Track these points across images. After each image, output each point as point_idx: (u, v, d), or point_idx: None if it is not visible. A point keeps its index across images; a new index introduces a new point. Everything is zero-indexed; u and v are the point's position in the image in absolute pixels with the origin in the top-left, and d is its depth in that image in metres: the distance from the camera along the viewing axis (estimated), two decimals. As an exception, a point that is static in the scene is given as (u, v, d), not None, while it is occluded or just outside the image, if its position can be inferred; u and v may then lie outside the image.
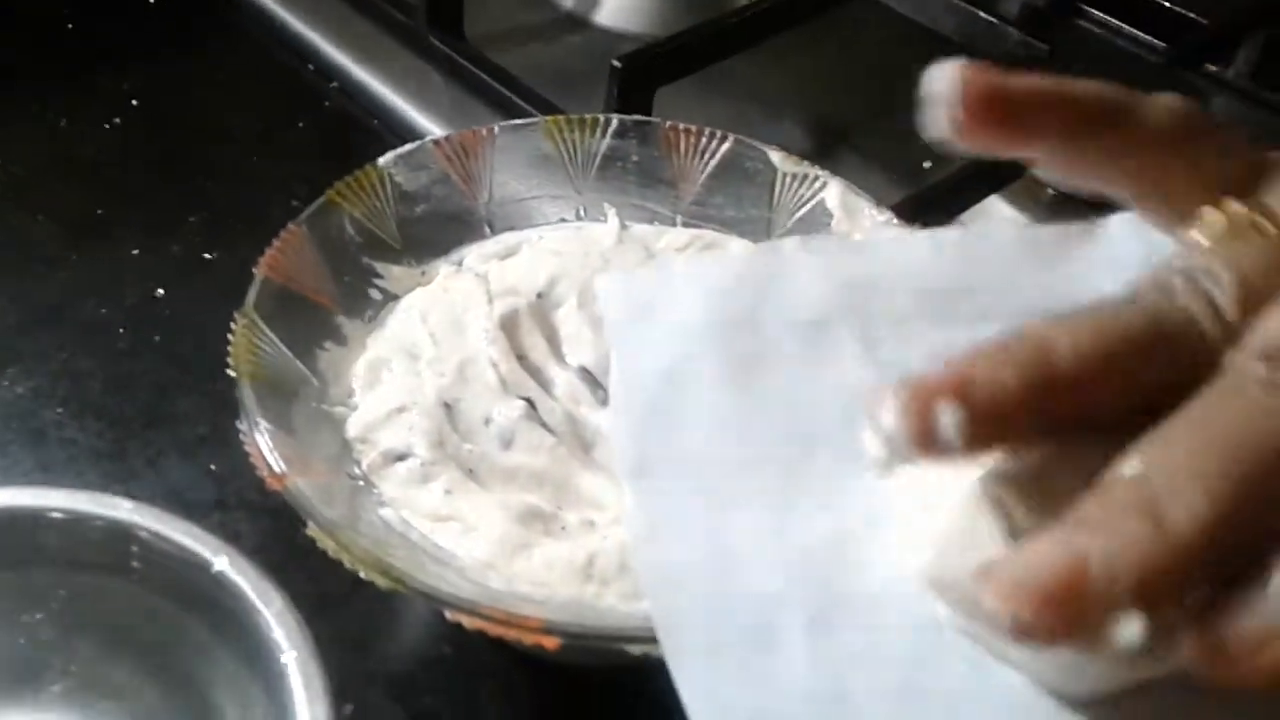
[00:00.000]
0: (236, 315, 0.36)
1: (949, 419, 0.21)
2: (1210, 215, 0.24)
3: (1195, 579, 0.19)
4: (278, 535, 0.42)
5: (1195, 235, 0.24)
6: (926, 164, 0.59)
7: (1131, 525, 0.19)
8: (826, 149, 0.62)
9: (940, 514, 0.24)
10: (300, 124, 0.60)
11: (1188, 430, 0.20)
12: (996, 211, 0.55)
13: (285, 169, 0.57)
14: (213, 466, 0.45)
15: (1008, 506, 0.22)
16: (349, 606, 0.41)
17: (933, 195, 0.51)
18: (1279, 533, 0.19)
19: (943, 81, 0.24)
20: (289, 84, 0.63)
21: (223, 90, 0.62)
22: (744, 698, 0.23)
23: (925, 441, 0.21)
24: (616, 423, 0.27)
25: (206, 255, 0.53)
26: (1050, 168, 0.26)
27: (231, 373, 0.35)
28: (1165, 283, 0.22)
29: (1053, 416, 0.21)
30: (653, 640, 0.29)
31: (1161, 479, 0.19)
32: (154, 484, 0.45)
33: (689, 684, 0.23)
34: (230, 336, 0.36)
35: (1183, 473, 0.19)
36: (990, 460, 0.23)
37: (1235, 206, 0.24)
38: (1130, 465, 0.20)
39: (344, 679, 0.39)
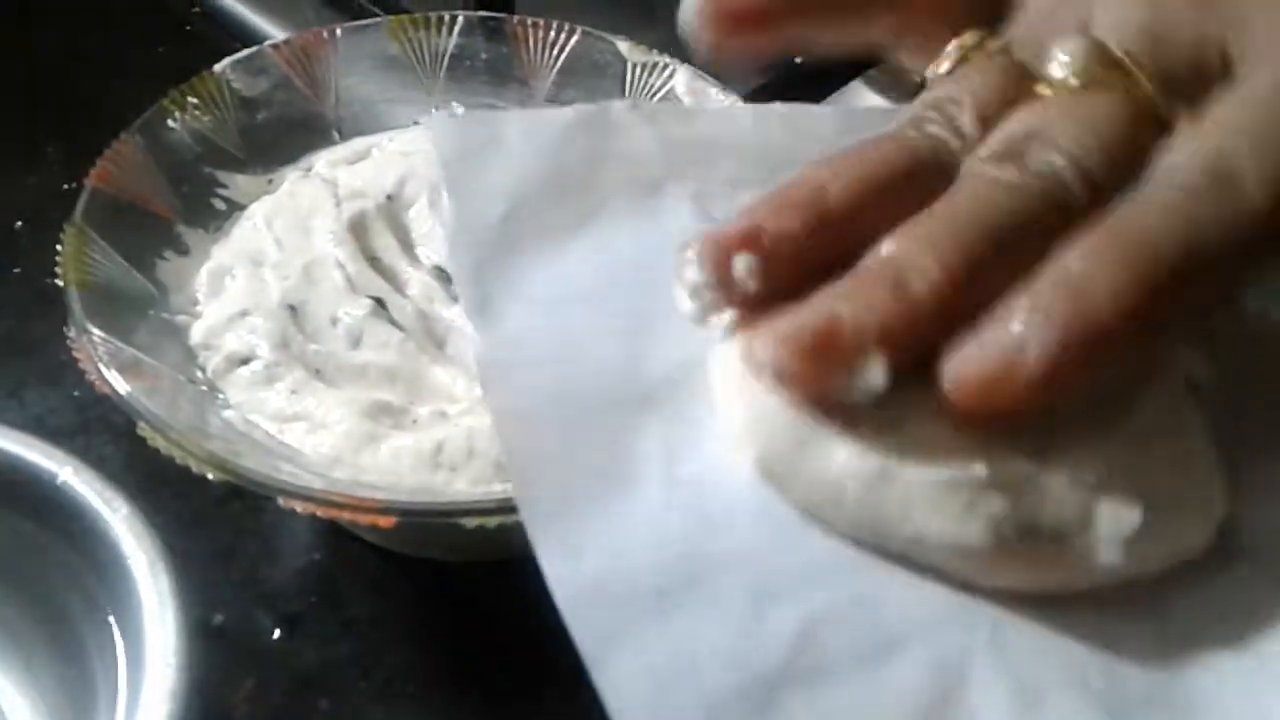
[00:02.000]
0: (65, 226, 0.36)
1: (743, 265, 0.23)
2: (949, 48, 0.26)
3: (934, 331, 0.22)
4: (143, 458, 0.42)
5: (939, 68, 0.26)
6: (797, 60, 0.58)
7: (878, 292, 0.22)
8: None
9: None
10: (160, 48, 0.59)
11: (929, 218, 0.23)
12: (862, 99, 0.55)
13: (147, 95, 0.55)
14: (75, 393, 0.45)
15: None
16: (216, 523, 0.41)
17: (788, 82, 0.50)
18: (1002, 290, 0.22)
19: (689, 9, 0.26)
20: (148, 6, 0.62)
21: (79, 15, 0.61)
22: (597, 537, 0.22)
23: (726, 288, 0.23)
24: (456, 263, 0.26)
25: (65, 185, 0.52)
26: (814, 45, 0.28)
27: (59, 282, 0.34)
28: (918, 116, 0.25)
29: (834, 248, 0.23)
30: (486, 513, 0.30)
31: (904, 256, 0.22)
32: (16, 411, 0.44)
33: (540, 528, 0.22)
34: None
35: (922, 249, 0.22)
36: None
37: (968, 37, 0.27)
38: (883, 248, 0.23)
39: (213, 590, 0.40)
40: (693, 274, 0.23)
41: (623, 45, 0.44)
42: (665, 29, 0.62)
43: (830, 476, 0.22)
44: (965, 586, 0.22)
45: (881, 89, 0.56)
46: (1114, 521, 0.22)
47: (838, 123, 0.30)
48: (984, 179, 0.23)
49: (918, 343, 0.22)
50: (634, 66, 0.44)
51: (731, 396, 0.24)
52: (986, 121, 0.25)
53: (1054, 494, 0.22)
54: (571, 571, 0.21)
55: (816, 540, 0.23)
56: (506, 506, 0.30)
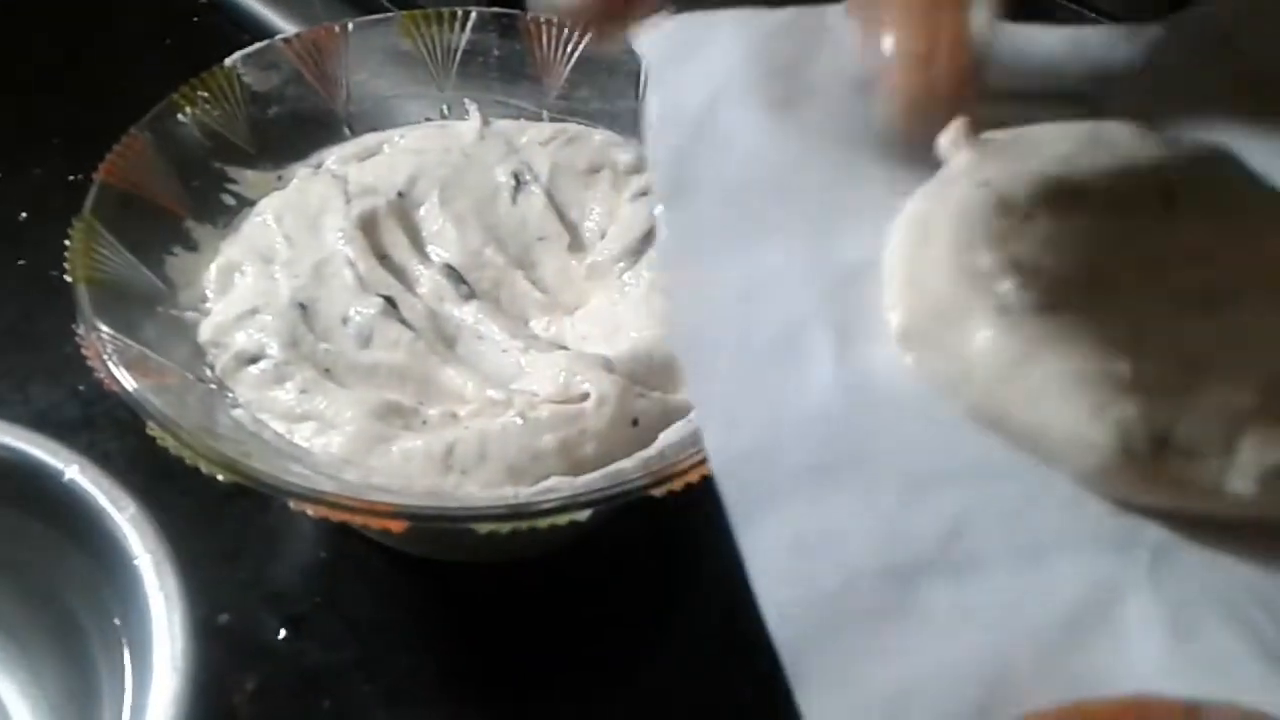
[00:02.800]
0: (74, 221, 0.35)
1: None
2: None
3: None
4: (148, 454, 0.42)
5: None
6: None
7: None
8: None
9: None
10: (167, 40, 0.59)
11: None
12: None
13: (154, 88, 0.55)
14: (81, 387, 0.44)
15: (996, 281, 0.23)
16: (223, 521, 0.41)
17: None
18: None
19: None
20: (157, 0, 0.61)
21: (85, 6, 0.60)
22: (760, 408, 0.22)
23: None
24: (653, 150, 0.26)
25: (71, 177, 0.51)
26: None
27: (67, 278, 0.34)
28: None
29: None
30: (500, 519, 0.30)
31: None
32: (21, 406, 0.44)
33: (705, 399, 0.22)
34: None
35: None
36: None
37: None
38: None
39: (219, 590, 0.39)
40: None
41: (636, 43, 0.44)
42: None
43: (968, 351, 0.22)
44: (1128, 509, 0.22)
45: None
46: (1257, 453, 0.21)
47: (1064, 45, 0.29)
48: None
49: None
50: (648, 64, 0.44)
51: (894, 262, 0.24)
52: None
53: (1199, 410, 0.22)
54: (729, 437, 0.22)
55: (979, 437, 0.22)
56: (520, 512, 0.30)
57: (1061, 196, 0.24)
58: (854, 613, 0.20)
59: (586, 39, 0.44)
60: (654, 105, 0.26)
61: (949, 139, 0.25)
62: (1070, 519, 0.22)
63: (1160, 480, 0.22)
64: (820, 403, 0.22)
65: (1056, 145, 0.26)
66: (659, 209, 0.25)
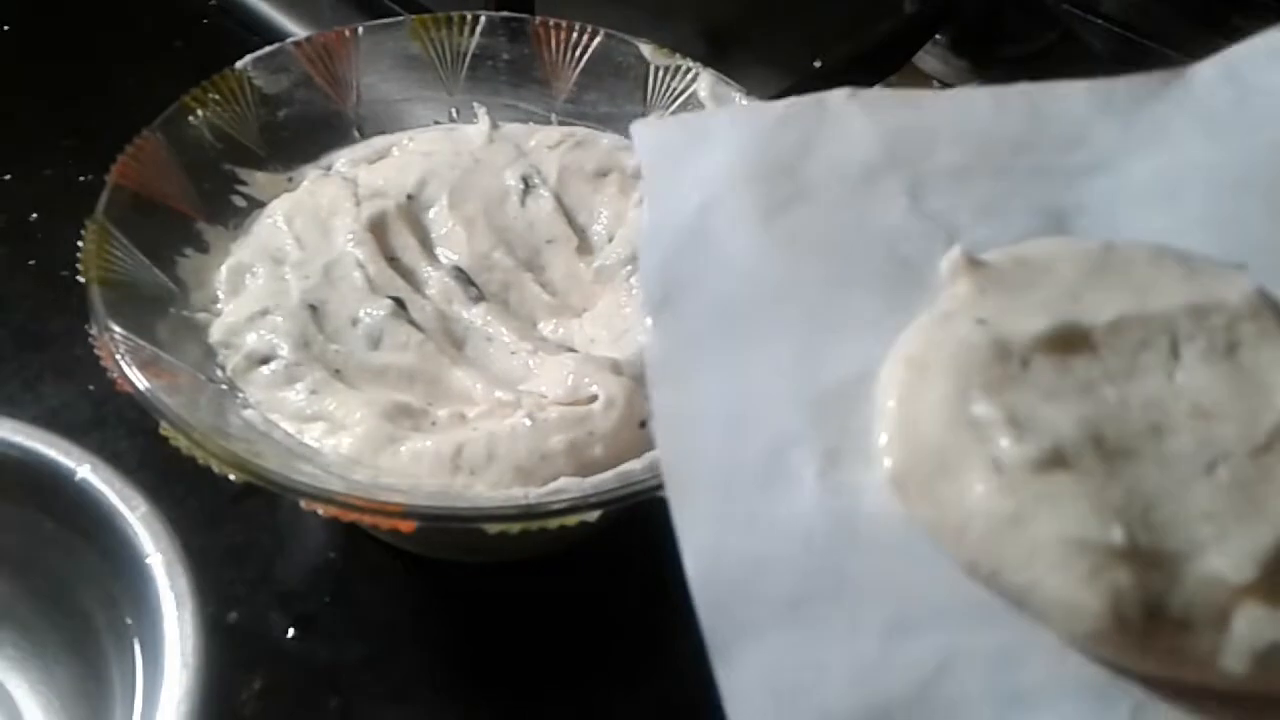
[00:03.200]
0: (87, 222, 0.36)
1: None
2: None
3: None
4: (158, 453, 0.42)
5: None
6: (816, 63, 0.58)
7: None
8: (720, 50, 0.61)
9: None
10: (176, 42, 0.59)
11: None
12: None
13: (162, 89, 0.55)
14: (91, 387, 0.45)
15: (993, 434, 0.22)
16: (233, 520, 0.41)
17: (813, 86, 0.50)
18: None
19: None
20: (165, 1, 0.61)
21: (97, 9, 0.61)
22: (741, 536, 0.22)
23: None
24: (643, 259, 0.25)
25: (81, 178, 0.52)
26: None
27: (81, 279, 0.34)
28: None
29: None
30: (509, 519, 0.30)
31: None
32: (32, 405, 0.44)
33: (687, 525, 0.22)
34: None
35: None
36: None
37: None
38: None
39: (228, 588, 0.40)
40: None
41: (645, 48, 0.44)
42: (683, 29, 0.63)
43: (963, 505, 0.22)
44: (1111, 664, 0.21)
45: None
46: (1251, 631, 0.21)
47: (1093, 98, 0.28)
48: None
49: None
50: (656, 70, 0.44)
51: (890, 404, 0.23)
52: None
53: (1194, 582, 0.21)
54: (711, 566, 0.21)
55: (967, 583, 0.22)
56: (530, 513, 0.30)
57: (1061, 341, 0.23)
58: None
59: (595, 43, 0.44)
60: (646, 212, 0.26)
61: (949, 264, 0.24)
62: (1054, 669, 0.21)
63: (1152, 650, 0.21)
64: (805, 530, 0.22)
65: (1062, 271, 0.25)
66: (647, 321, 0.24)
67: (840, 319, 0.24)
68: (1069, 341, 0.23)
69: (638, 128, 0.27)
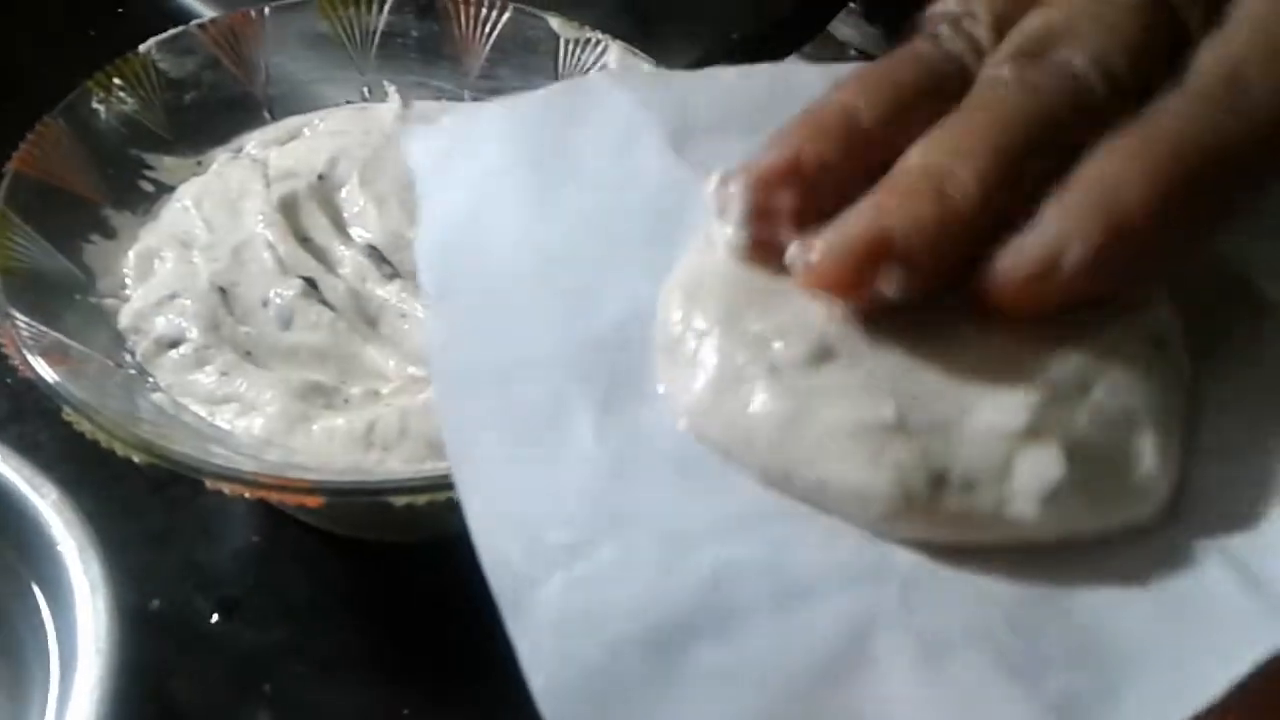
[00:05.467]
0: (-13, 211, 0.35)
1: (785, 200, 0.23)
2: None
3: (977, 240, 0.22)
4: (79, 445, 0.42)
5: None
6: (734, 35, 0.58)
7: (922, 205, 0.22)
8: (643, 24, 0.61)
9: None
10: (91, 30, 0.58)
11: (958, 125, 0.23)
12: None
13: (74, 76, 0.55)
14: (9, 380, 0.44)
15: (768, 341, 0.23)
16: (153, 508, 0.41)
17: (730, 57, 0.51)
18: (1042, 193, 0.22)
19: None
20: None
21: None
22: (521, 495, 0.22)
23: (768, 219, 0.24)
24: (419, 263, 0.26)
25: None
26: None
27: (-18, 268, 0.34)
28: (935, 32, 0.25)
29: (863, 168, 0.24)
30: (415, 490, 0.30)
31: (938, 167, 0.22)
32: (-54, 400, 0.44)
33: (468, 491, 0.22)
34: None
35: (956, 160, 0.22)
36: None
37: None
38: (913, 158, 0.23)
39: (150, 575, 0.40)
40: (734, 206, 0.24)
41: (554, 21, 0.44)
42: (597, 5, 0.63)
43: (746, 417, 0.22)
44: (882, 536, 0.22)
45: (818, 60, 0.56)
46: (1033, 474, 0.21)
47: (826, 78, 0.28)
48: (1006, 82, 0.23)
49: (954, 251, 0.22)
50: (566, 43, 0.44)
51: (667, 333, 0.24)
52: (1001, 26, 0.25)
53: (970, 440, 0.21)
54: (493, 527, 0.21)
55: (737, 489, 0.22)
56: (435, 484, 0.30)
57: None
58: (620, 688, 0.19)
59: (504, 18, 0.44)
60: (420, 220, 0.26)
61: (710, 189, 0.25)
62: (826, 555, 0.21)
63: (945, 518, 0.21)
64: (583, 476, 0.22)
65: None
66: (425, 316, 0.25)
67: (612, 271, 0.25)
68: None
69: (405, 138, 0.28)
